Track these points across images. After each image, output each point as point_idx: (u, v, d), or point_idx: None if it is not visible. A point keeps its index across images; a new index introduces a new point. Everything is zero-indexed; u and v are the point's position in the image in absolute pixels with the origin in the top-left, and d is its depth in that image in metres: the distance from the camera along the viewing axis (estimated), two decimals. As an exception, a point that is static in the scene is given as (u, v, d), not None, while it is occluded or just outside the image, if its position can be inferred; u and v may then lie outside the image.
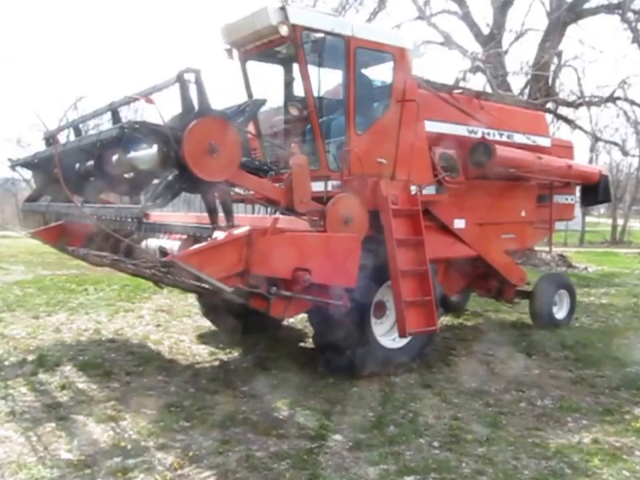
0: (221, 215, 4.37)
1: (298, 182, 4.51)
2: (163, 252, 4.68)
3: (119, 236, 4.53)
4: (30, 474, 3.30)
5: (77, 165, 5.39)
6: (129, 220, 4.49)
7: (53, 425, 4.00)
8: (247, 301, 4.39)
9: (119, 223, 4.70)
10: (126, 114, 4.94)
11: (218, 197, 4.30)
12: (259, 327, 6.42)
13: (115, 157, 4.76)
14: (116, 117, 4.97)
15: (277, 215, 4.97)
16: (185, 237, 4.65)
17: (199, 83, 3.99)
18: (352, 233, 4.74)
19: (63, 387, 4.74)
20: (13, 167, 6.24)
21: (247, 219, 5.28)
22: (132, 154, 4.56)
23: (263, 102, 4.47)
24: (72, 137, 5.57)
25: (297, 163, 4.56)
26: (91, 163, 5.14)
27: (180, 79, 3.96)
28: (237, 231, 4.16)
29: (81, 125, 5.78)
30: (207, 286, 4.22)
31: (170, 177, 4.02)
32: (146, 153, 4.34)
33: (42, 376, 5.03)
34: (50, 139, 5.94)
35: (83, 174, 5.34)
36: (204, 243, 4.10)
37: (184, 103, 4.03)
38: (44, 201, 6.10)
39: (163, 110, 3.84)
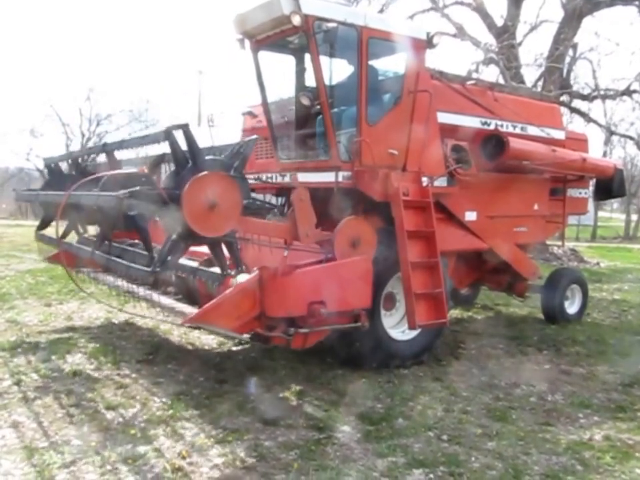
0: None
1: (301, 216, 4.41)
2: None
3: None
4: (41, 459, 3.34)
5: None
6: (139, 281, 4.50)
7: (64, 411, 4.04)
8: (266, 343, 4.42)
9: (130, 279, 4.72)
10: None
11: (224, 245, 4.22)
12: None
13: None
14: (111, 158, 5.06)
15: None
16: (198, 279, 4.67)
17: (188, 137, 3.87)
18: (361, 254, 4.65)
19: (74, 374, 4.79)
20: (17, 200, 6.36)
21: (254, 254, 4.89)
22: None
23: (254, 140, 4.39)
24: (69, 167, 5.76)
25: (298, 197, 4.44)
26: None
27: (168, 136, 3.87)
28: (246, 278, 4.16)
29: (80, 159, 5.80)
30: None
31: (174, 237, 3.95)
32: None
33: (54, 363, 5.08)
34: (51, 165, 6.02)
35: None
36: (216, 299, 4.05)
37: (176, 159, 3.95)
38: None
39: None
